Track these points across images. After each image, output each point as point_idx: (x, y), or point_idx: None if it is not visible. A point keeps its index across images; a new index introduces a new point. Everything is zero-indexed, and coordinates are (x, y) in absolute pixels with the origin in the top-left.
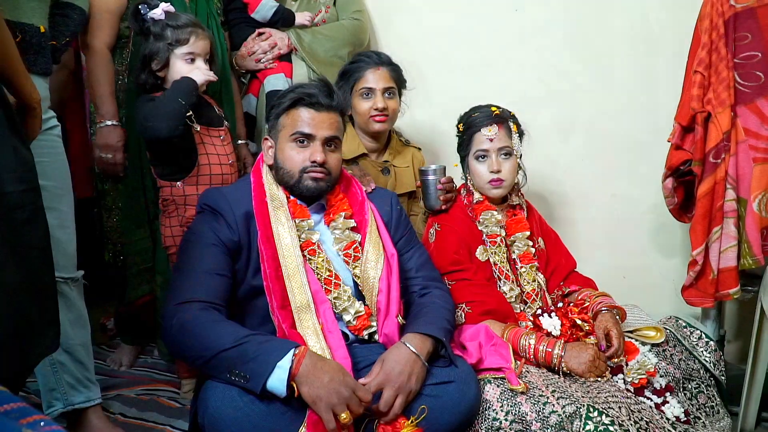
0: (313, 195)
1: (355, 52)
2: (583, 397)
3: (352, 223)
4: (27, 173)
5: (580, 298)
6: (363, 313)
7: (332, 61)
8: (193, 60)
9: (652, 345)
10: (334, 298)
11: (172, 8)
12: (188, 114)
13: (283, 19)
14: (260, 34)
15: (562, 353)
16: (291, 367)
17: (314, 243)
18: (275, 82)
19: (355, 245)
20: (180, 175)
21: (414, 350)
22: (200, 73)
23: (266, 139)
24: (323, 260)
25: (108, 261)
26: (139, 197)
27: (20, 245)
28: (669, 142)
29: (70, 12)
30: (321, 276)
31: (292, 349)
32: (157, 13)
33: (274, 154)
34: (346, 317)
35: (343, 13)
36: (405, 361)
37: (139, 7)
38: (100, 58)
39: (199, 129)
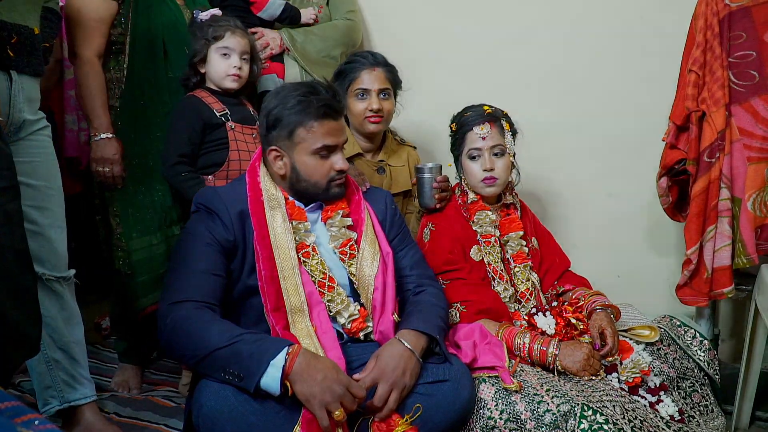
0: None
1: (348, 53)
2: (577, 395)
3: (348, 221)
4: (3, 171)
5: (574, 297)
6: (358, 315)
7: (325, 61)
8: (227, 55)
9: (647, 344)
10: (328, 301)
11: (219, 12)
12: (224, 111)
13: (290, 17)
14: (252, 33)
15: (557, 352)
16: (284, 366)
17: (308, 245)
18: (267, 82)
19: (351, 243)
20: (212, 169)
21: (408, 346)
22: None
23: (274, 149)
24: (318, 263)
25: (119, 269)
26: (147, 204)
27: None
28: (664, 141)
29: (51, 15)
30: (315, 279)
31: (286, 348)
32: (205, 15)
33: (290, 165)
34: (341, 320)
35: (336, 13)
36: (399, 356)
37: (194, 13)
38: (90, 69)
39: (234, 126)
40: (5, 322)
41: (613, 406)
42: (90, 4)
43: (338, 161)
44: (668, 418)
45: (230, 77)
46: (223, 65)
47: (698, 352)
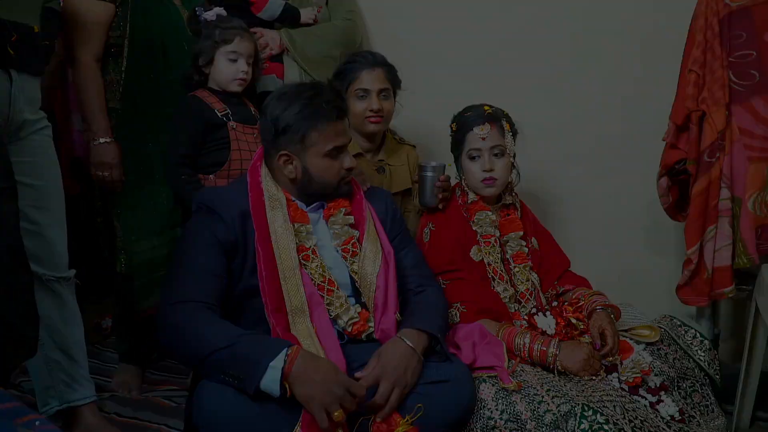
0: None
1: (348, 53)
2: (577, 395)
3: (351, 219)
4: (1, 171)
5: (574, 297)
6: (358, 319)
7: (324, 61)
8: (235, 60)
9: (647, 344)
10: (328, 305)
11: (224, 12)
12: (225, 111)
13: (290, 17)
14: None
15: (557, 352)
16: (284, 368)
17: (308, 248)
18: (266, 82)
19: (353, 241)
20: (213, 169)
21: (410, 344)
22: None
23: (285, 154)
24: (318, 266)
25: (120, 271)
26: (150, 206)
27: None
28: (664, 140)
29: (51, 15)
30: (315, 282)
31: (285, 349)
32: (210, 15)
33: (301, 169)
34: (340, 323)
35: (335, 14)
36: (401, 354)
37: (196, 9)
38: (88, 73)
39: (235, 126)
40: (2, 323)
41: (614, 406)
42: (87, 7)
43: (347, 160)
44: (669, 418)
45: (236, 81)
46: (231, 70)
47: (699, 352)
